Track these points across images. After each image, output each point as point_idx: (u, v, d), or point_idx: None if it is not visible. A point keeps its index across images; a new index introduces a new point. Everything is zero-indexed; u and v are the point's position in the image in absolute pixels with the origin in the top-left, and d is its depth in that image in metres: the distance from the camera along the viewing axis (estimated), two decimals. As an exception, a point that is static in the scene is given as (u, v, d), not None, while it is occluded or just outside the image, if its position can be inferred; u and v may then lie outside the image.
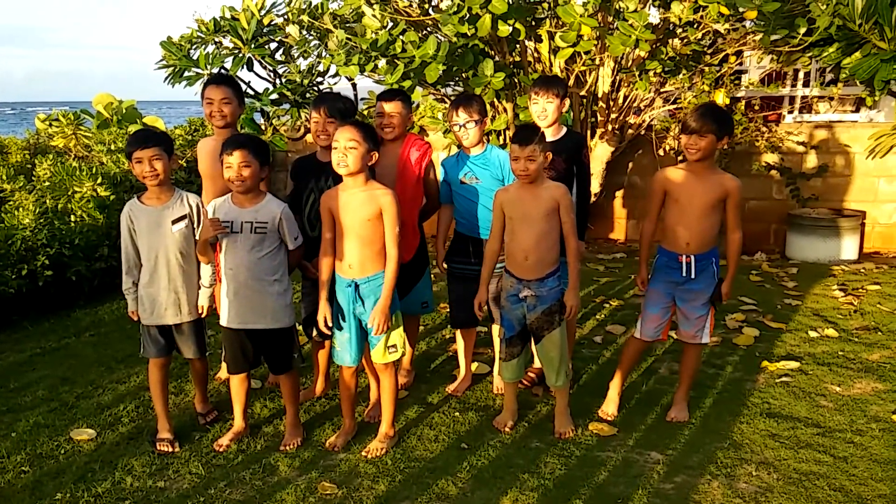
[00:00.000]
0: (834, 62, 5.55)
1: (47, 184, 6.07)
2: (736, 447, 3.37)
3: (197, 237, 3.35)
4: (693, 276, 3.45)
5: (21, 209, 5.51)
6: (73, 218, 5.85)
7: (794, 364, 4.29)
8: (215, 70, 6.24)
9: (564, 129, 3.85)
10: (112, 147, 7.15)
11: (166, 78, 6.58)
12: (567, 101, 3.84)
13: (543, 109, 3.73)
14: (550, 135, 3.73)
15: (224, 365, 4.03)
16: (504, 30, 5.09)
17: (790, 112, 8.72)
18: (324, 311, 3.31)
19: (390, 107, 3.74)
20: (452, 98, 6.44)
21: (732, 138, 4.85)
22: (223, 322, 3.37)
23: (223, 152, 3.20)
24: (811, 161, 7.40)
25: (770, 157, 7.43)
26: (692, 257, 3.43)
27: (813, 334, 4.80)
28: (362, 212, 3.20)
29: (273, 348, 3.42)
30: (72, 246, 5.60)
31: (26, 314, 5.43)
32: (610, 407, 3.72)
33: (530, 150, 3.23)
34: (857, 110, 8.80)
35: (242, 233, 3.25)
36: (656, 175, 3.52)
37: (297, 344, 3.49)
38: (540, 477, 3.14)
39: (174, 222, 3.32)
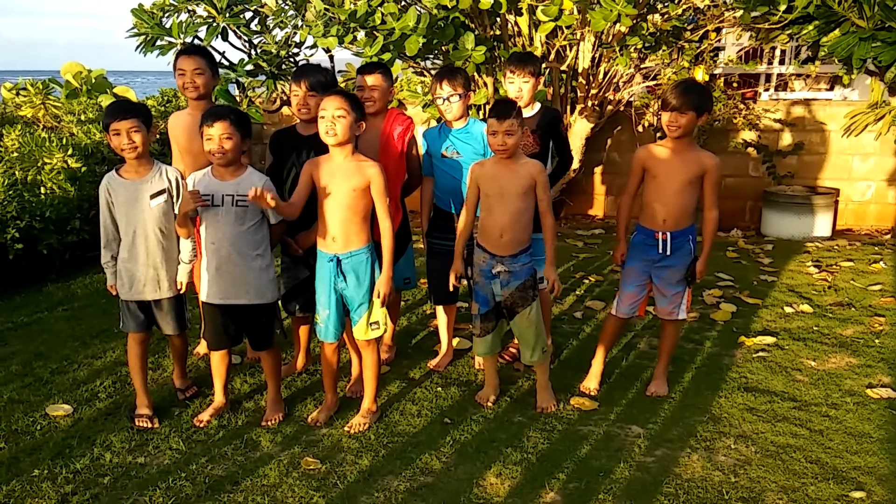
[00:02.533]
0: (813, 40, 5.57)
1: (16, 155, 5.90)
2: (715, 421, 3.42)
3: (177, 211, 3.29)
4: (668, 253, 3.47)
5: (-11, 181, 5.37)
6: (43, 190, 5.71)
7: (770, 339, 4.36)
8: (189, 39, 6.08)
9: (538, 105, 3.82)
10: (82, 117, 6.98)
11: (138, 47, 6.40)
12: (542, 79, 3.81)
13: (519, 89, 3.69)
14: (525, 112, 3.70)
15: (203, 340, 3.98)
16: (485, 2, 5.02)
17: (766, 90, 8.78)
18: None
19: (371, 80, 3.69)
20: (432, 71, 6.37)
21: (712, 115, 4.87)
22: (203, 297, 3.32)
23: (203, 123, 3.12)
24: (787, 139, 7.47)
25: (747, 135, 7.48)
26: (668, 234, 3.44)
27: (788, 310, 4.88)
28: (348, 183, 3.16)
29: (255, 324, 3.38)
30: (42, 219, 5.47)
31: (-4, 288, 5.32)
32: (592, 382, 3.75)
33: (508, 124, 3.20)
34: (832, 88, 8.89)
35: (223, 206, 3.19)
36: (636, 152, 3.53)
37: (279, 320, 3.45)
38: (523, 451, 3.16)
39: (153, 197, 3.24)
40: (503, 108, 3.23)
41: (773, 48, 8.63)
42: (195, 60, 3.66)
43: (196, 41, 5.96)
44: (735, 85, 7.71)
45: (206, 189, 3.19)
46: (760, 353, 4.17)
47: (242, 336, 3.46)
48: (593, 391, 3.71)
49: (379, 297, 3.28)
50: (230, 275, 3.25)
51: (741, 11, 5.66)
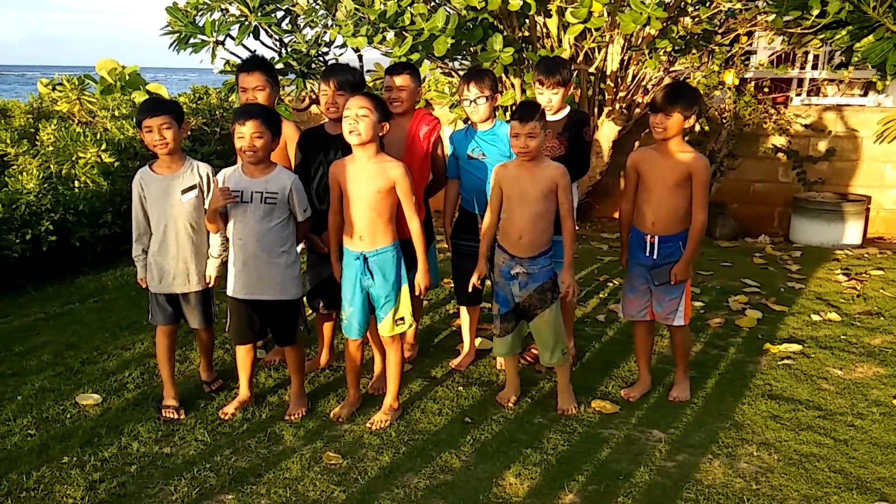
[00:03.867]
0: (846, 45, 5.50)
1: (51, 149, 6.03)
2: (737, 427, 3.39)
3: (207, 207, 3.35)
4: (656, 257, 3.45)
5: (25, 174, 5.49)
6: (77, 184, 5.83)
7: (796, 347, 4.31)
8: (221, 38, 6.17)
9: (567, 108, 3.82)
10: (116, 113, 7.11)
11: (171, 44, 6.51)
12: (572, 85, 3.81)
13: (549, 101, 3.70)
14: (553, 115, 3.71)
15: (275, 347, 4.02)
16: (514, 4, 5.03)
17: (798, 94, 8.67)
18: (338, 271, 3.41)
19: (400, 80, 3.71)
20: (460, 72, 6.39)
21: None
22: (230, 292, 3.38)
23: (235, 121, 3.19)
24: (818, 144, 7.37)
25: (777, 140, 7.39)
26: (656, 238, 3.43)
27: (815, 318, 4.82)
28: (373, 184, 3.20)
29: (279, 320, 3.43)
30: (76, 212, 5.59)
31: (30, 278, 5.44)
32: (634, 391, 3.71)
33: (531, 126, 3.21)
34: (866, 94, 8.74)
35: (252, 203, 3.24)
36: (630, 155, 3.56)
37: (303, 316, 3.49)
38: (542, 452, 3.17)
39: (184, 192, 3.31)
40: (526, 110, 3.25)
41: (806, 52, 8.51)
42: (256, 77, 3.64)
43: (228, 40, 6.04)
44: (766, 89, 7.62)
45: (235, 186, 3.25)
46: (786, 361, 4.13)
47: (267, 331, 3.51)
48: (633, 398, 3.67)
49: (418, 292, 3.43)
50: (256, 270, 3.30)
51: (773, 15, 5.61)
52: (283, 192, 3.26)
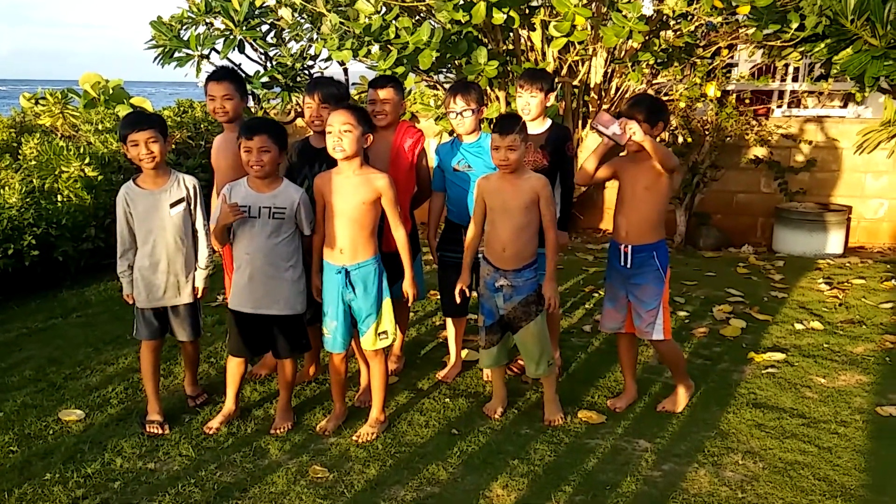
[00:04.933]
0: (824, 58, 5.59)
1: (34, 163, 6.01)
2: (723, 436, 3.41)
3: (193, 219, 3.34)
4: (630, 266, 3.47)
5: (7, 188, 5.45)
6: (60, 198, 5.80)
7: (780, 356, 4.34)
8: (206, 52, 6.17)
9: (549, 122, 3.85)
10: (100, 127, 7.08)
11: (156, 58, 6.50)
12: (552, 96, 3.85)
13: (527, 103, 3.74)
14: (534, 128, 3.73)
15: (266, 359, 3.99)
16: (498, 17, 5.07)
17: (779, 106, 8.78)
18: (316, 283, 3.38)
19: (383, 93, 3.73)
20: (445, 85, 6.42)
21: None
22: (232, 306, 3.37)
23: (242, 136, 3.18)
24: (799, 155, 7.46)
25: (759, 151, 7.47)
26: (629, 247, 3.46)
27: (799, 327, 4.86)
28: (356, 196, 3.21)
29: (282, 334, 3.40)
30: (59, 226, 5.55)
31: (12, 294, 5.39)
32: (620, 401, 3.71)
33: (511, 139, 3.23)
34: (845, 105, 8.87)
35: (260, 218, 3.24)
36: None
37: (305, 330, 3.49)
38: (529, 463, 3.17)
39: (172, 206, 3.30)
40: (506, 123, 3.27)
41: (786, 65, 8.63)
42: (224, 86, 3.66)
43: (213, 53, 6.04)
44: (747, 101, 7.71)
45: (243, 201, 3.25)
46: (770, 370, 4.16)
47: (266, 347, 3.49)
48: (619, 409, 3.67)
49: (406, 298, 3.48)
50: (262, 285, 3.29)
51: (753, 29, 5.69)
52: (291, 207, 3.26)
